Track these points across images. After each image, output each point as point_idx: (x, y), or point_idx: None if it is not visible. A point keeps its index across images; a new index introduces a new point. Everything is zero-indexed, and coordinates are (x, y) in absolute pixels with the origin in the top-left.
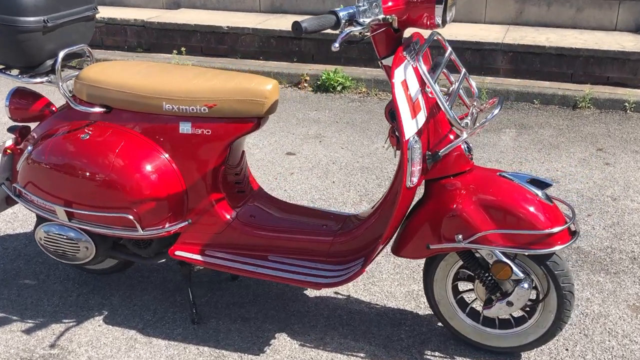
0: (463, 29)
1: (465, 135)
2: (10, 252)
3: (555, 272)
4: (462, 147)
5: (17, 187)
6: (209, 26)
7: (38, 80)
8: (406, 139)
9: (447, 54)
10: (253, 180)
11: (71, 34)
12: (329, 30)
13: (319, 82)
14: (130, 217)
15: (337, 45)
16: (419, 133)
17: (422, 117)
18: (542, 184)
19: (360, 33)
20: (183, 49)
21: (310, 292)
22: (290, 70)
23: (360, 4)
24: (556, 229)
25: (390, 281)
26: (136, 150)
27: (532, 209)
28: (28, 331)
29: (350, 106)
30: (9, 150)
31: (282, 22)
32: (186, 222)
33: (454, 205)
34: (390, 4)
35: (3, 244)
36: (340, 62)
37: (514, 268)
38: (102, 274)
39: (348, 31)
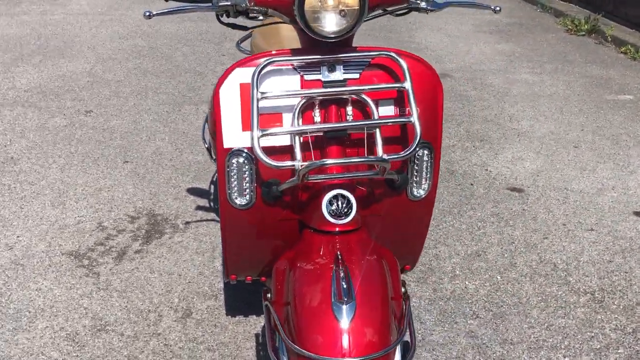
0: None
1: (295, 179)
2: None
3: None
4: (323, 202)
5: None
6: None
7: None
8: (224, 147)
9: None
10: None
11: None
12: None
13: None
14: None
15: (147, 13)
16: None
17: (278, 138)
18: None
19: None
20: None
21: None
22: None
23: None
24: None
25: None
26: None
27: (319, 316)
28: (137, 210)
29: None
30: None
31: None
32: None
33: (288, 259)
34: None
35: None
36: None
37: None
38: None
39: (183, 6)
